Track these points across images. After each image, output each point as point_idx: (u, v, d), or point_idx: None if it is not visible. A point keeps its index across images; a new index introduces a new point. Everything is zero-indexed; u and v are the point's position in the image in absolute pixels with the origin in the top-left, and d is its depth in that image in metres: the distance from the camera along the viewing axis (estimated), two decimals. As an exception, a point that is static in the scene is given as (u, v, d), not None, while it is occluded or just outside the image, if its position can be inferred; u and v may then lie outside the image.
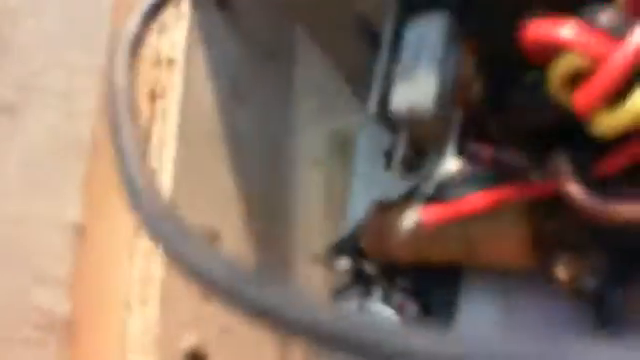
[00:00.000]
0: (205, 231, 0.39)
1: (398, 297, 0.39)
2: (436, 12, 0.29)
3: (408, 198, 0.37)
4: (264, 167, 0.44)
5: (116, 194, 0.34)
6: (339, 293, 0.42)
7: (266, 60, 0.44)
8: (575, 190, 0.24)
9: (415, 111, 0.28)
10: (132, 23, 0.25)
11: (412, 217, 0.27)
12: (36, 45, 0.31)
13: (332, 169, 0.47)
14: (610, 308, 0.29)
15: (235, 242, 0.41)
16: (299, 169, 0.47)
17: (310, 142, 0.47)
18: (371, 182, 0.43)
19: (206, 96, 0.38)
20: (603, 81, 0.23)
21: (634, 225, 0.24)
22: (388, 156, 0.42)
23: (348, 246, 0.41)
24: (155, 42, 0.36)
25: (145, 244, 0.35)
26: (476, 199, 0.27)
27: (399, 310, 0.38)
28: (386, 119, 0.30)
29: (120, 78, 0.23)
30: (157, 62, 0.36)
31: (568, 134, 0.26)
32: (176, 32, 0.36)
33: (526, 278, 0.34)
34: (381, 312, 0.38)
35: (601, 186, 0.25)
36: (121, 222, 0.35)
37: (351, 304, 0.40)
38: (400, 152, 0.30)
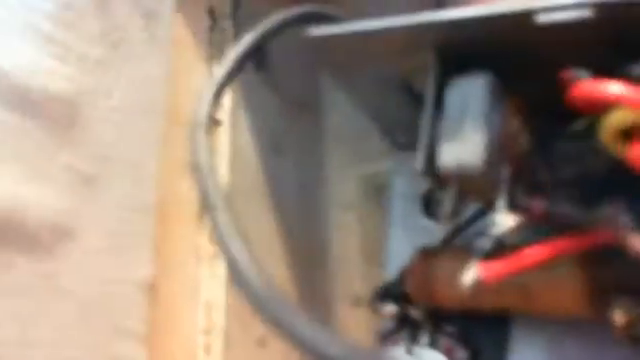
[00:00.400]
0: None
1: (445, 342, 0.39)
2: (478, 72, 0.30)
3: (451, 245, 0.38)
4: (302, 214, 0.46)
5: (180, 252, 0.36)
6: (385, 338, 0.42)
7: (299, 111, 0.46)
8: (636, 241, 0.25)
9: (464, 168, 0.29)
10: (204, 103, 0.27)
11: (470, 274, 0.28)
12: (108, 120, 0.33)
13: (366, 213, 0.47)
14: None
15: (278, 284, 0.43)
16: (334, 214, 0.48)
17: (344, 187, 0.48)
18: (408, 225, 0.44)
19: (250, 152, 0.41)
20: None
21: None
22: (425, 201, 0.43)
23: (393, 291, 0.41)
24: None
25: (207, 296, 0.37)
26: (533, 253, 0.28)
27: (448, 355, 0.39)
28: (433, 175, 0.31)
29: (204, 160, 0.24)
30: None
31: (622, 184, 0.27)
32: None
33: (574, 324, 0.34)
34: (431, 357, 0.39)
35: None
36: (186, 278, 0.37)
37: (399, 349, 0.41)
38: (448, 206, 0.31)
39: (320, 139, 0.49)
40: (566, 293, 0.30)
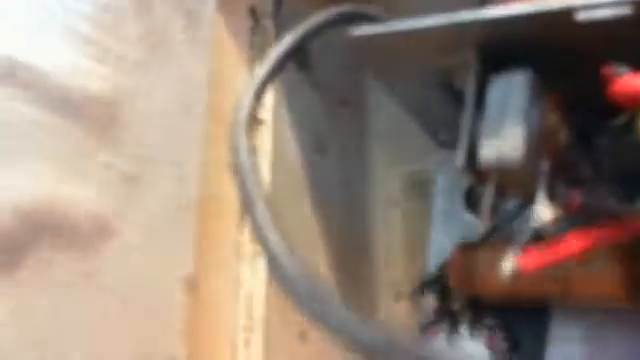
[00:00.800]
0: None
1: (485, 333, 0.40)
2: (518, 69, 0.31)
3: (492, 239, 0.39)
4: (345, 211, 0.47)
5: (221, 249, 0.38)
6: (426, 329, 0.43)
7: (341, 108, 0.47)
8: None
9: (504, 163, 0.30)
10: (245, 102, 0.28)
11: (509, 264, 0.29)
12: (149, 121, 0.33)
13: (410, 210, 0.48)
14: None
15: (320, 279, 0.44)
16: (378, 210, 0.49)
17: (387, 185, 0.49)
18: (450, 221, 0.45)
19: (292, 151, 0.42)
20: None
21: None
22: (468, 197, 0.44)
23: (434, 284, 0.42)
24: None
25: (247, 293, 0.38)
26: (572, 243, 0.28)
27: (488, 345, 0.40)
28: (473, 170, 0.32)
29: (244, 159, 0.26)
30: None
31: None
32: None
33: (614, 314, 0.34)
34: (472, 349, 0.40)
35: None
36: (228, 275, 0.38)
37: (440, 340, 0.42)
38: (488, 201, 0.32)
39: (363, 137, 0.50)
40: (605, 284, 0.30)
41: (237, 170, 0.25)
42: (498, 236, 0.38)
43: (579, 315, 0.36)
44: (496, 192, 0.33)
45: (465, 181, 0.43)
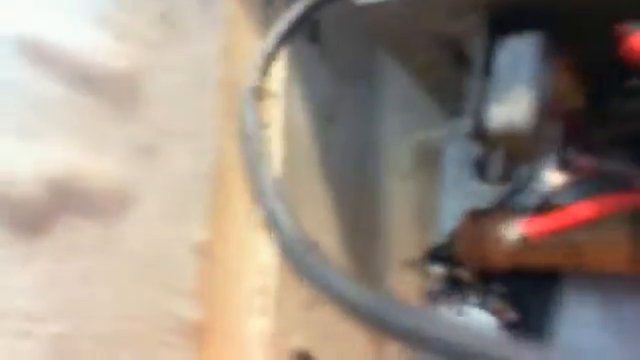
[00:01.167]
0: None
1: (494, 302, 0.40)
2: (528, 32, 0.30)
3: (501, 206, 0.39)
4: (356, 181, 0.47)
5: (236, 218, 0.38)
6: (434, 298, 0.43)
7: (352, 80, 0.47)
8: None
9: (513, 127, 0.29)
10: (252, 72, 0.28)
11: (515, 230, 0.28)
12: (167, 96, 0.34)
13: (419, 180, 0.48)
14: None
15: (332, 251, 0.44)
16: (388, 181, 0.49)
17: (397, 155, 0.49)
18: (460, 190, 0.45)
19: (303, 122, 0.42)
20: None
21: None
22: (477, 166, 0.44)
23: (443, 253, 0.42)
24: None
25: (261, 260, 0.39)
26: (580, 210, 0.28)
27: (497, 315, 0.40)
28: (481, 136, 0.32)
29: (250, 125, 0.26)
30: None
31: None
32: (275, 68, 0.40)
33: (623, 277, 0.34)
34: (480, 318, 0.40)
35: None
36: (241, 241, 0.38)
37: (449, 309, 0.42)
38: (497, 166, 0.32)
39: (374, 108, 0.49)
40: (616, 250, 0.30)
41: (242, 137, 0.25)
42: (508, 204, 0.38)
43: (593, 283, 0.36)
44: (506, 159, 0.33)
45: (475, 150, 0.42)
